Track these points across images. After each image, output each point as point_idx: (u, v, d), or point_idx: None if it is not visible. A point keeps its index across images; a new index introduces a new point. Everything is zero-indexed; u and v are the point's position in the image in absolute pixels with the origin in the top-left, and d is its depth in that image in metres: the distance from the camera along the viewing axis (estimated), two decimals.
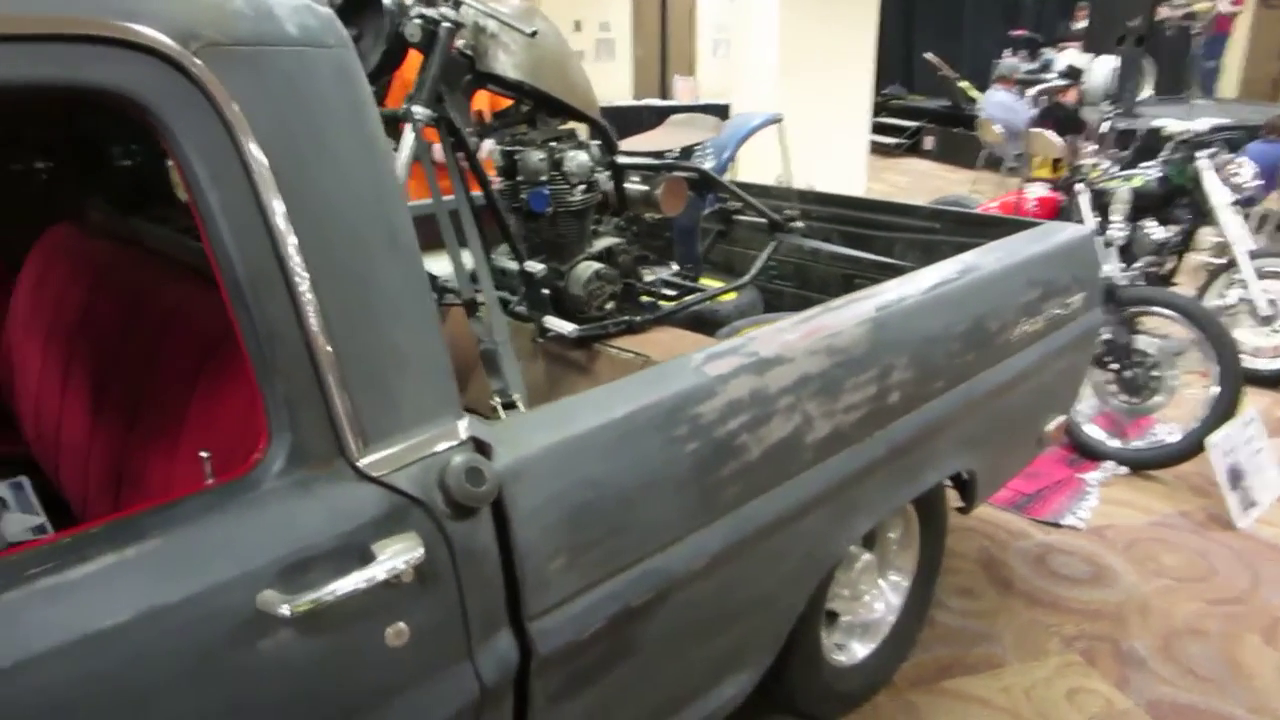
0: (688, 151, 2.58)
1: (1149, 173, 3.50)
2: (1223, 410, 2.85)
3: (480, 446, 1.06)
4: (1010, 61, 8.78)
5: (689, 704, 1.42)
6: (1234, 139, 3.61)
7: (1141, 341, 3.08)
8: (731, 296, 2.50)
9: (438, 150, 1.85)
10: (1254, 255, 3.43)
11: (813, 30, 5.90)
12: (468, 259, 1.67)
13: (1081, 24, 9.08)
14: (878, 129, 9.79)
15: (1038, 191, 3.97)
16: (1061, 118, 5.52)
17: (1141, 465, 3.08)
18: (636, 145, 2.38)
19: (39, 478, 1.63)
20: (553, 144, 1.92)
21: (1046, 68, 7.89)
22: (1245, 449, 2.83)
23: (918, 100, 11.45)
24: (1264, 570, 2.53)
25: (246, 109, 0.87)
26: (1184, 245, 3.54)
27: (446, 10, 1.68)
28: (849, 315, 1.55)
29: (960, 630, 2.28)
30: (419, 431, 1.01)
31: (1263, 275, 3.43)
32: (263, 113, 0.88)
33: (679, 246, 2.67)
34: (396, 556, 0.92)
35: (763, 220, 2.49)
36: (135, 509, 0.86)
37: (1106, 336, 3.06)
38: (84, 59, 0.79)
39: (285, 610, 0.84)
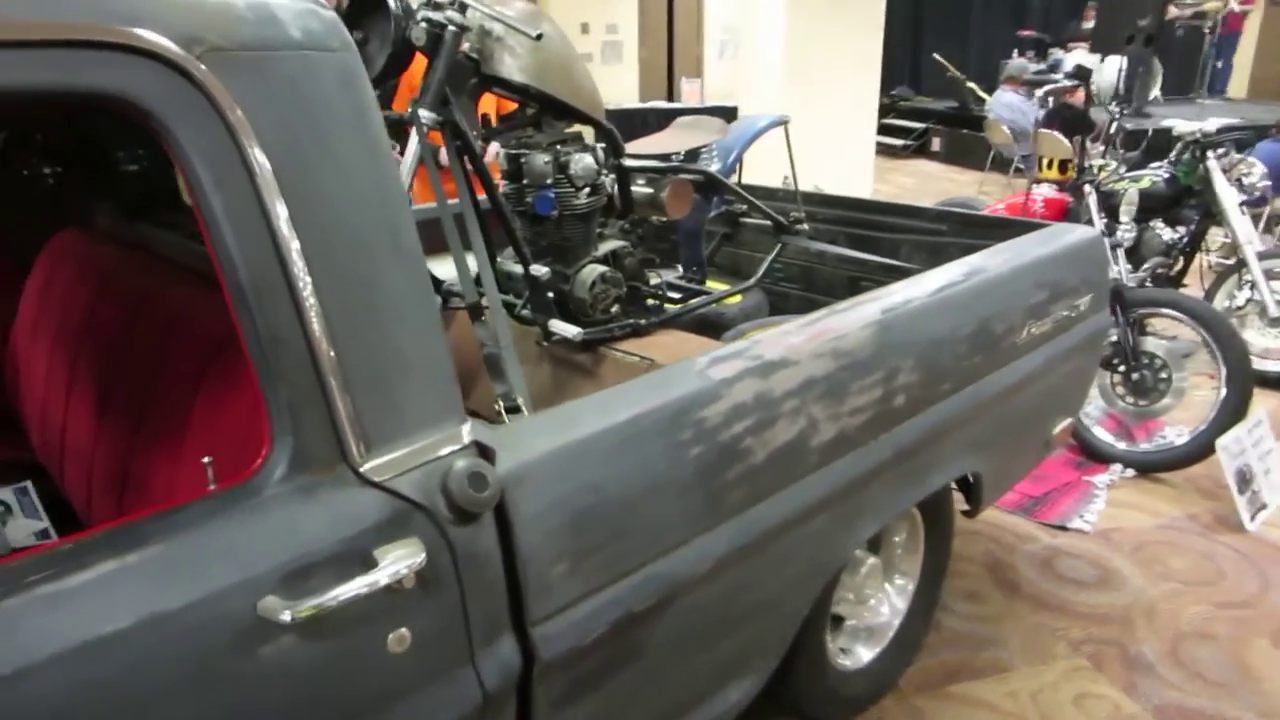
0: (693, 154, 2.57)
1: (1157, 173, 3.48)
2: (1231, 412, 2.84)
3: (483, 451, 1.06)
4: (1018, 62, 8.77)
5: (693, 709, 1.42)
6: (1243, 139, 3.59)
7: (1149, 343, 3.07)
8: (737, 299, 2.50)
9: (444, 154, 1.85)
10: (1263, 256, 3.40)
11: (819, 32, 5.89)
12: (472, 263, 1.67)
13: (1090, 24, 9.05)
14: (884, 130, 9.78)
15: (1045, 193, 3.96)
16: (1070, 118, 5.51)
17: (1149, 468, 3.07)
18: (642, 148, 2.38)
19: (44, 481, 1.63)
20: (558, 147, 1.92)
21: (1055, 68, 7.89)
22: (1254, 451, 2.81)
23: (925, 101, 11.43)
24: (1273, 573, 2.52)
25: (250, 113, 0.87)
26: (1193, 246, 3.52)
27: (452, 14, 1.68)
28: (854, 318, 1.55)
29: (966, 634, 2.27)
30: (422, 436, 1.00)
31: (1272, 276, 3.41)
32: (266, 117, 0.88)
33: (684, 249, 2.67)
34: (399, 562, 0.92)
35: (768, 222, 2.48)
36: (137, 515, 0.86)
37: (1114, 338, 3.04)
38: (88, 64, 0.79)
39: (287, 616, 0.84)
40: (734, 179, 2.73)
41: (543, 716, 1.15)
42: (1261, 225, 4.44)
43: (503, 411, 1.36)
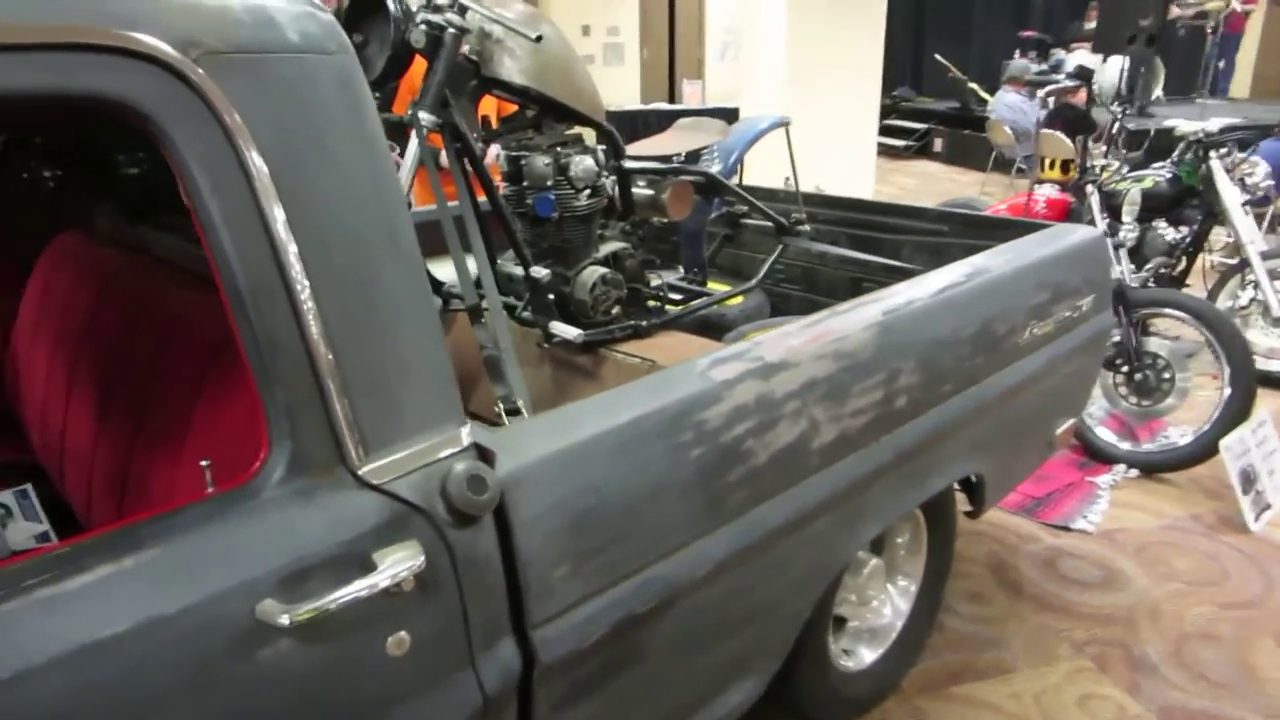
0: (694, 155, 2.57)
1: (1160, 173, 3.48)
2: (1235, 412, 2.83)
3: (483, 453, 1.05)
4: (1020, 63, 8.77)
5: (695, 711, 1.41)
6: (1246, 139, 3.58)
7: (1152, 343, 3.07)
8: (738, 300, 2.50)
9: (444, 156, 1.85)
10: (1266, 256, 3.40)
11: (821, 33, 5.89)
12: (472, 265, 1.67)
13: (1092, 24, 9.04)
14: (886, 131, 9.77)
15: (1047, 193, 3.95)
16: (1072, 119, 5.50)
17: (1153, 468, 3.06)
18: (643, 149, 2.38)
19: (45, 484, 1.63)
20: (558, 149, 1.92)
21: (1057, 69, 7.88)
22: (1258, 451, 2.81)
23: (926, 102, 11.43)
24: (1277, 574, 2.51)
25: (247, 116, 0.87)
26: (1195, 246, 3.52)
27: (451, 16, 1.67)
28: (856, 319, 1.54)
29: (969, 635, 2.26)
30: (421, 439, 1.00)
31: (1275, 276, 3.40)
32: (263, 120, 0.88)
33: (685, 250, 2.67)
34: (397, 565, 0.91)
35: (769, 224, 2.48)
36: (134, 518, 0.86)
37: (1117, 339, 3.04)
38: (84, 68, 0.78)
39: (285, 620, 0.83)
40: (735, 180, 2.73)
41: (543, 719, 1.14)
42: (1264, 225, 4.43)
43: (503, 414, 1.36)
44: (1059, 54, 9.56)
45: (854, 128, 6.28)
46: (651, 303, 2.14)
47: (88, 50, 0.78)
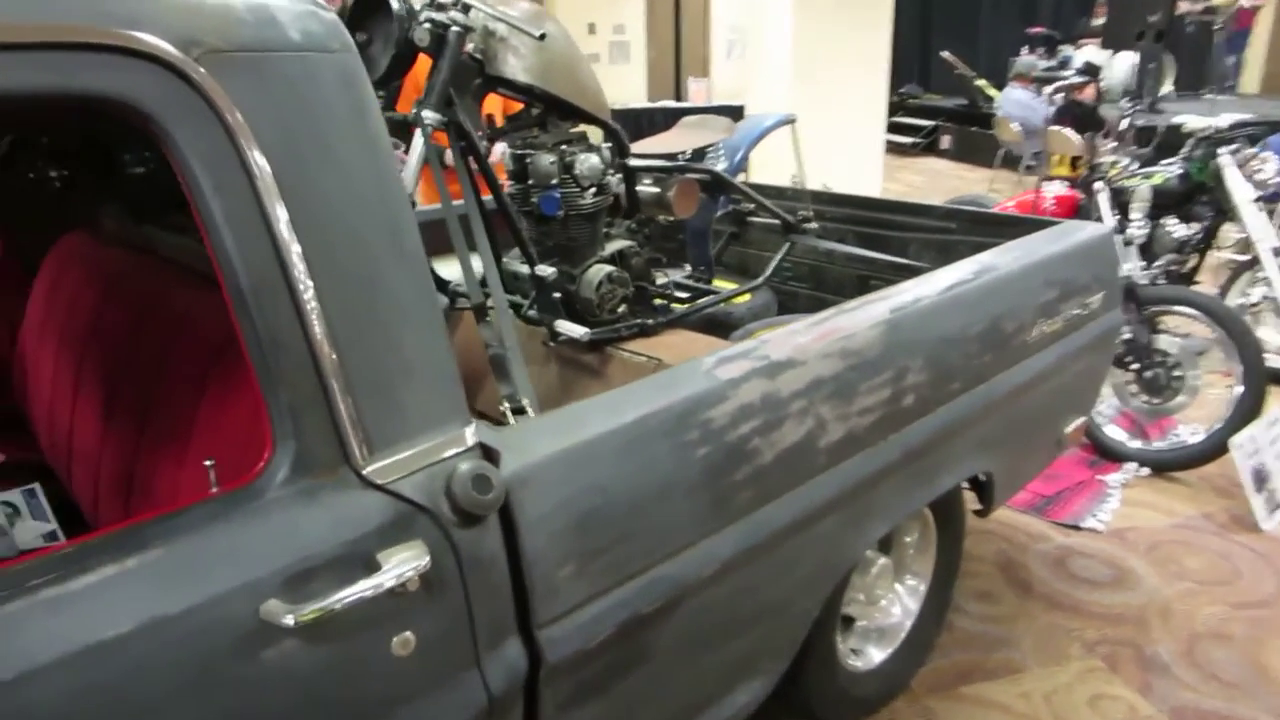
0: (700, 153, 2.56)
1: (1170, 170, 3.45)
2: (1246, 410, 2.81)
3: (488, 453, 1.05)
4: (1028, 59, 8.72)
5: (702, 711, 1.41)
6: (1256, 134, 3.55)
7: (1163, 341, 3.05)
8: (745, 299, 2.49)
9: (449, 155, 1.85)
10: (1277, 252, 3.36)
11: (827, 30, 5.87)
12: (478, 264, 1.66)
13: (1100, 21, 8.99)
14: (893, 128, 9.74)
15: (1056, 190, 3.93)
16: (1080, 115, 5.48)
17: (1163, 466, 3.04)
18: (649, 147, 2.37)
19: (52, 483, 1.63)
20: (564, 147, 1.91)
21: (1065, 65, 7.84)
22: (1270, 450, 2.78)
23: (934, 99, 11.38)
24: None
25: (249, 116, 0.87)
26: (1206, 243, 3.49)
27: (455, 14, 1.67)
28: (863, 317, 1.53)
29: (979, 635, 2.25)
30: (425, 438, 1.00)
31: None
32: (266, 119, 0.88)
33: (692, 249, 2.66)
34: (402, 565, 0.91)
35: (776, 221, 2.47)
36: (139, 518, 0.86)
37: (1127, 336, 3.02)
38: (86, 67, 0.78)
39: (289, 620, 0.83)
40: (741, 178, 2.72)
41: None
42: (1276, 220, 4.39)
43: (508, 413, 1.35)
44: (1067, 50, 9.50)
45: (861, 125, 6.26)
46: (658, 301, 2.14)
47: (89, 49, 0.78)
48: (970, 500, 2.07)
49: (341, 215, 0.93)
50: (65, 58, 0.77)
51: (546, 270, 1.84)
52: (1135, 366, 3.07)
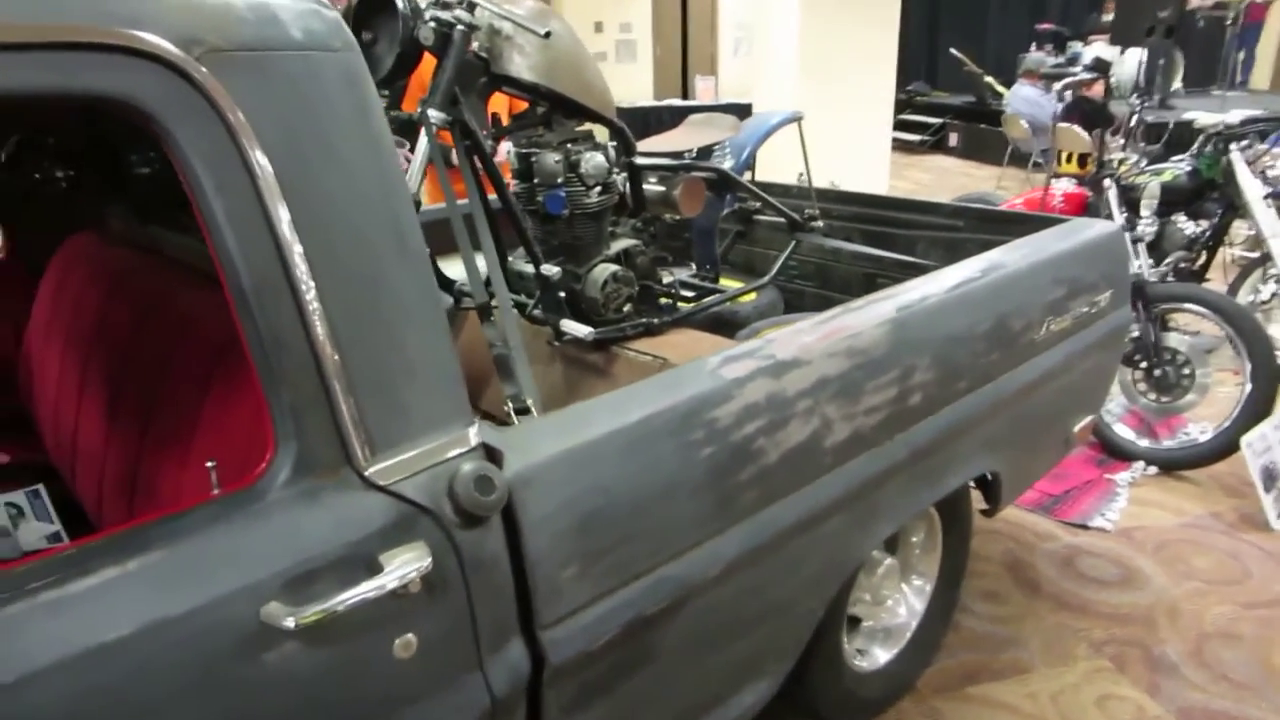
0: (706, 151, 2.55)
1: (1179, 166, 3.44)
2: (1256, 408, 2.79)
3: (491, 453, 1.05)
4: (1036, 55, 8.69)
5: (707, 712, 1.40)
6: (1267, 130, 3.53)
7: (1172, 339, 3.03)
8: (751, 297, 2.48)
9: (455, 154, 1.84)
10: None
11: (834, 27, 5.85)
12: (482, 263, 1.66)
13: (1110, 17, 8.94)
14: (901, 126, 9.72)
15: (1064, 187, 3.92)
16: (1089, 112, 5.44)
17: (1172, 465, 3.02)
18: (654, 146, 2.36)
19: (58, 484, 1.64)
20: (569, 146, 1.91)
21: (1074, 61, 7.80)
22: None
23: (942, 96, 11.35)
24: None
25: (251, 115, 0.86)
26: (1216, 240, 3.47)
27: (460, 13, 1.67)
28: (869, 316, 1.53)
29: (986, 635, 2.24)
30: (428, 439, 0.99)
31: None
32: (268, 118, 0.87)
33: (697, 247, 2.65)
34: (404, 566, 0.91)
35: (782, 220, 2.46)
36: (140, 520, 0.86)
37: (1136, 334, 3.00)
38: (87, 67, 0.78)
39: (290, 622, 0.83)
40: (747, 176, 2.71)
41: None
42: None
43: (512, 413, 1.35)
44: (1076, 46, 9.47)
45: (868, 122, 6.24)
46: (663, 300, 2.13)
47: (90, 49, 0.78)
48: (977, 500, 2.06)
49: (344, 214, 0.93)
50: (66, 57, 0.77)
51: (551, 269, 1.84)
52: (1144, 365, 3.05)
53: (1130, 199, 3.31)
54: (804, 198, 2.61)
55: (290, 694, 0.87)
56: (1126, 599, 2.37)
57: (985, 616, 2.31)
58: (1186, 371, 3.00)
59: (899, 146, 9.36)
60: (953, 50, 9.94)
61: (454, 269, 2.06)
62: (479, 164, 1.79)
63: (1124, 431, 3.14)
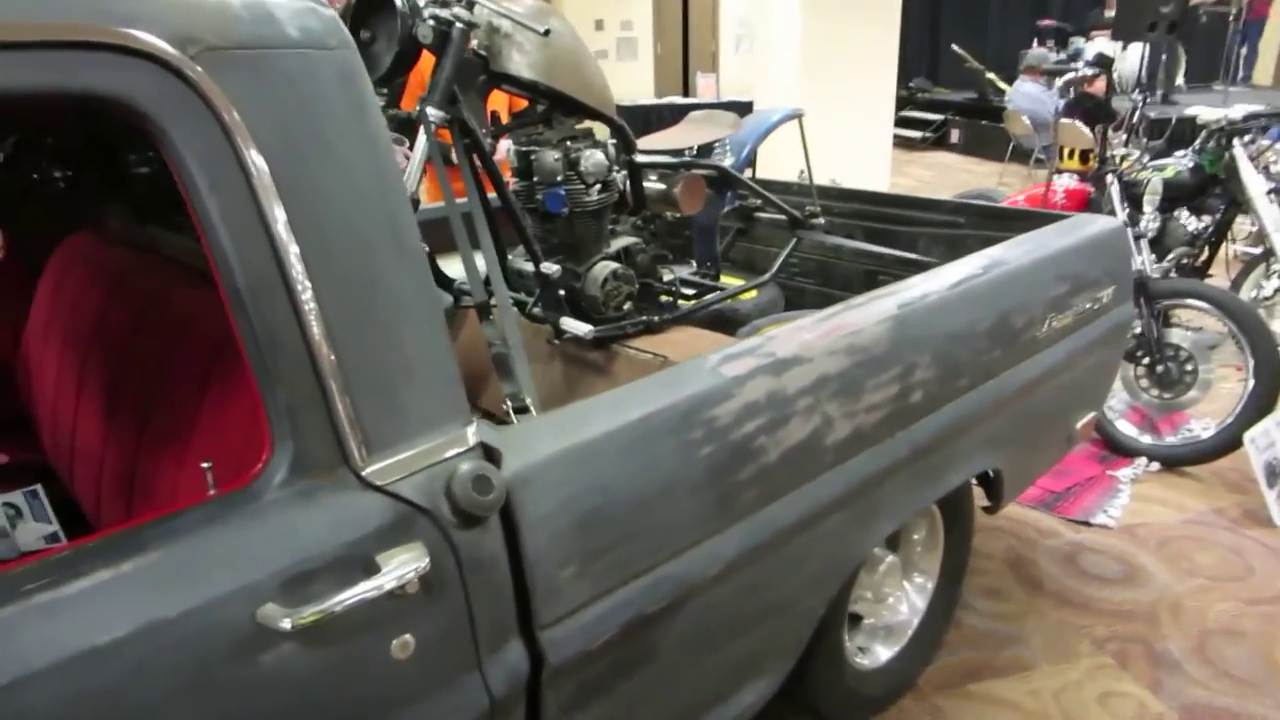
0: (706, 149, 2.55)
1: (1182, 162, 3.42)
2: (1259, 404, 2.78)
3: (489, 453, 1.04)
4: (1038, 51, 8.67)
5: (707, 711, 1.40)
6: (1269, 125, 3.52)
7: (1174, 335, 3.02)
8: (752, 295, 2.47)
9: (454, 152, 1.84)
10: None
11: (836, 24, 5.84)
12: (481, 261, 1.65)
13: (1112, 12, 8.92)
14: (902, 122, 9.71)
15: (1066, 183, 3.90)
16: (1091, 108, 5.43)
17: (1175, 461, 3.02)
18: (655, 143, 2.36)
19: (56, 484, 1.63)
20: (568, 144, 1.90)
21: (1075, 57, 7.78)
22: None
23: (943, 93, 11.33)
24: None
25: (246, 114, 0.86)
26: (1218, 236, 3.46)
27: (459, 11, 1.66)
28: (870, 313, 1.52)
29: (988, 632, 2.24)
30: (425, 439, 0.99)
31: None
32: (263, 117, 0.87)
33: (698, 245, 2.64)
34: (402, 567, 0.90)
35: (783, 217, 2.46)
36: (135, 521, 0.85)
37: (1138, 330, 2.99)
38: (81, 65, 0.77)
39: (287, 624, 0.82)
40: (748, 174, 2.70)
41: None
42: None
43: (511, 412, 1.34)
44: (1078, 42, 9.45)
45: (869, 119, 6.22)
46: (664, 298, 2.12)
47: (85, 48, 0.77)
48: (979, 497, 2.05)
49: (340, 213, 0.93)
50: (60, 56, 0.76)
51: (551, 267, 1.83)
52: (1146, 361, 3.05)
53: (1132, 195, 3.30)
54: (805, 195, 2.60)
55: (287, 695, 0.87)
56: (1129, 596, 2.37)
57: (987, 614, 2.31)
58: (1189, 368, 2.99)
59: (900, 143, 9.34)
60: (954, 46, 9.93)
61: (454, 268, 2.05)
62: (478, 162, 1.79)
63: (1126, 428, 3.14)
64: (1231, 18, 10.02)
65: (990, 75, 9.65)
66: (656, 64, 8.79)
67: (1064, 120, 5.29)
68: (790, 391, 1.34)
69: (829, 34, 5.84)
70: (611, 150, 1.96)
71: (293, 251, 0.88)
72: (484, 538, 1.00)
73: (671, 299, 2.16)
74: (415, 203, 1.66)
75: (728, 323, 2.36)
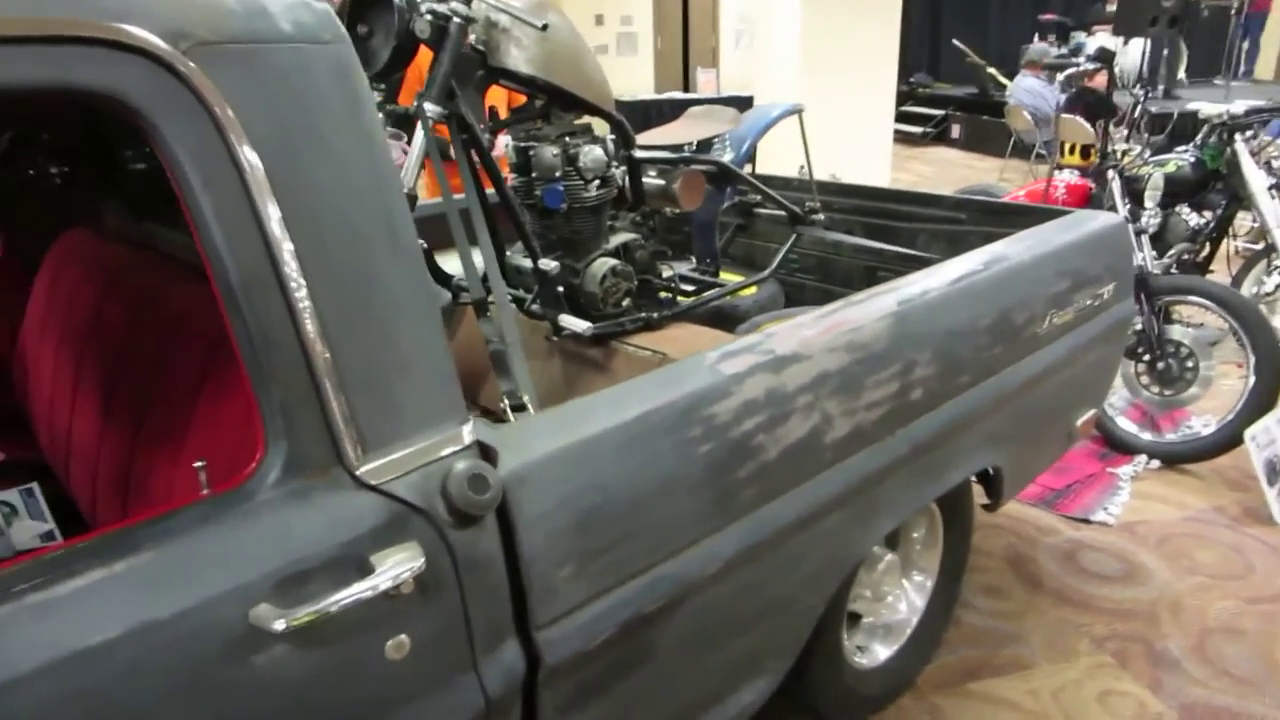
0: (706, 144, 2.54)
1: (1183, 157, 3.41)
2: (1260, 401, 2.77)
3: (485, 451, 1.03)
4: (1039, 46, 8.65)
5: (705, 711, 1.39)
6: (1269, 120, 3.51)
7: (1175, 331, 3.01)
8: (751, 291, 2.47)
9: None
10: None
11: (836, 18, 5.82)
12: (479, 258, 1.65)
13: (1114, 7, 8.89)
14: (903, 118, 9.68)
15: (1067, 179, 3.90)
16: (1092, 103, 5.42)
17: (1175, 459, 3.01)
18: (654, 139, 2.35)
19: (52, 481, 1.63)
20: (567, 139, 1.89)
21: (1077, 52, 7.76)
22: None
23: (944, 88, 11.32)
24: None
25: (240, 109, 0.85)
26: (1219, 231, 3.45)
27: (457, 5, 1.65)
28: (870, 310, 1.51)
29: (987, 630, 2.23)
30: (421, 437, 0.98)
31: None
32: (257, 113, 0.86)
33: (697, 241, 2.64)
34: (397, 567, 0.90)
35: (783, 213, 2.45)
36: (128, 521, 0.84)
37: (1139, 327, 2.99)
38: (72, 60, 0.77)
39: (280, 624, 0.81)
40: (748, 169, 2.69)
41: None
42: None
43: (508, 410, 1.34)
44: (1079, 37, 9.43)
45: (870, 114, 6.21)
46: (663, 294, 2.12)
47: (76, 43, 0.76)
48: (979, 494, 2.04)
49: (335, 209, 0.92)
50: (51, 51, 0.75)
51: (549, 264, 1.82)
52: (1147, 357, 3.04)
53: (1134, 190, 3.29)
54: (805, 190, 2.59)
55: (281, 697, 0.86)
56: (1129, 594, 2.36)
57: (986, 612, 2.30)
58: (1189, 364, 2.98)
59: (901, 138, 9.33)
60: (955, 41, 9.90)
61: (452, 264, 2.05)
62: (476, 158, 1.78)
63: (1126, 425, 3.13)
64: (1233, 12, 10.00)
65: (991, 70, 9.63)
66: (656, 59, 8.77)
67: (1065, 115, 5.28)
68: (790, 389, 1.33)
69: (829, 29, 5.82)
70: (610, 146, 1.95)
71: (287, 248, 0.87)
72: (480, 537, 0.99)
73: (671, 295, 2.15)
74: (413, 199, 1.66)
75: (727, 319, 2.35)
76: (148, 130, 0.82)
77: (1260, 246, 3.55)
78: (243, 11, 0.86)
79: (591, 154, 1.87)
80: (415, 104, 1.65)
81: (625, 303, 1.96)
